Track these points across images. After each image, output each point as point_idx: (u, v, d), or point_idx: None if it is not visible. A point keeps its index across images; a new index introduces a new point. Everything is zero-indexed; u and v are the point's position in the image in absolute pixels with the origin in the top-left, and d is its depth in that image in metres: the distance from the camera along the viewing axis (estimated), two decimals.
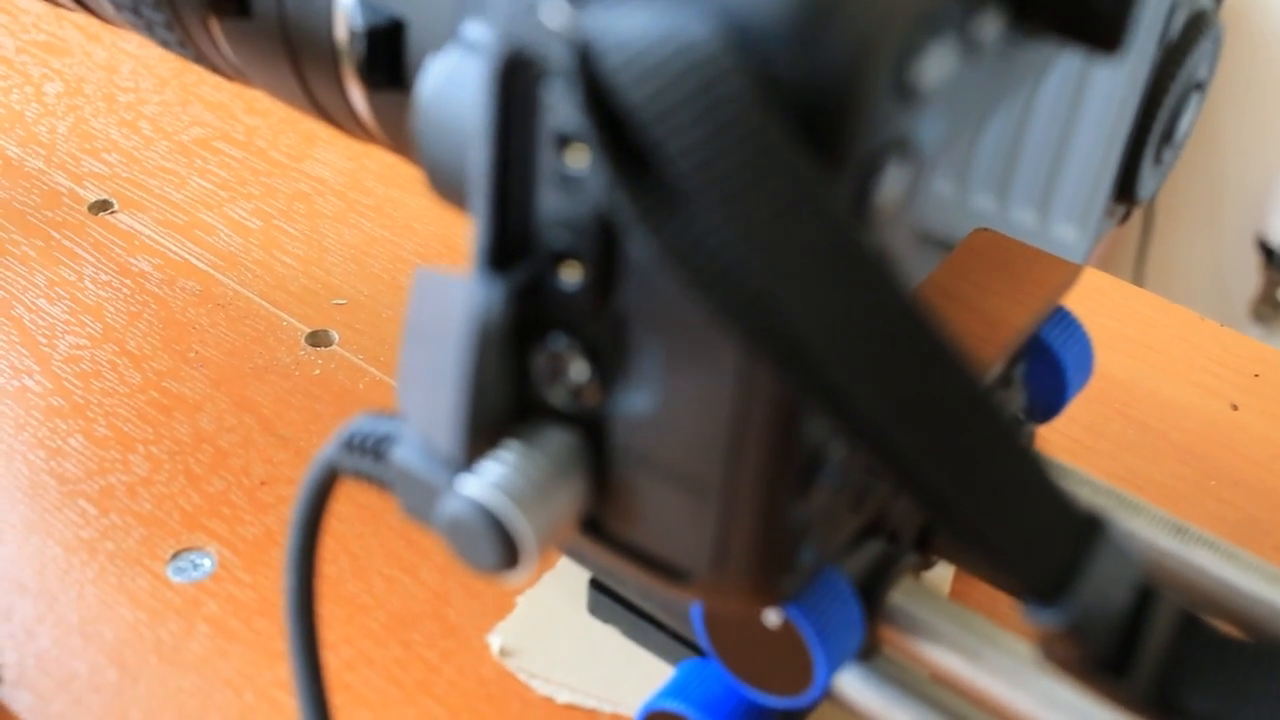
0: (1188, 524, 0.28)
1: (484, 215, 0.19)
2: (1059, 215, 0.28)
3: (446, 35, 0.23)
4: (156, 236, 0.47)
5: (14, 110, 0.53)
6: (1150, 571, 0.28)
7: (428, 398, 0.19)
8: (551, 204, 0.18)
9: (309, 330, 0.43)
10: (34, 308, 0.43)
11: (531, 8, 0.17)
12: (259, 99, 0.54)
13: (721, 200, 0.15)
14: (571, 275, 0.19)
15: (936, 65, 0.16)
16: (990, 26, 0.17)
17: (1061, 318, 0.30)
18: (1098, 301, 0.46)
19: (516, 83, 0.18)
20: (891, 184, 0.16)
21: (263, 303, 0.44)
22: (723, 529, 0.19)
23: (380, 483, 0.22)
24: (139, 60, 0.56)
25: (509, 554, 0.19)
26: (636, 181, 0.16)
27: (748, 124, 0.15)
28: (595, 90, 0.16)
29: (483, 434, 0.19)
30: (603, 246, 0.18)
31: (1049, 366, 0.30)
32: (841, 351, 0.16)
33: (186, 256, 0.46)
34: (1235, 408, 0.42)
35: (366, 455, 0.22)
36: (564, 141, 0.18)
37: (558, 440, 0.20)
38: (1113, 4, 0.17)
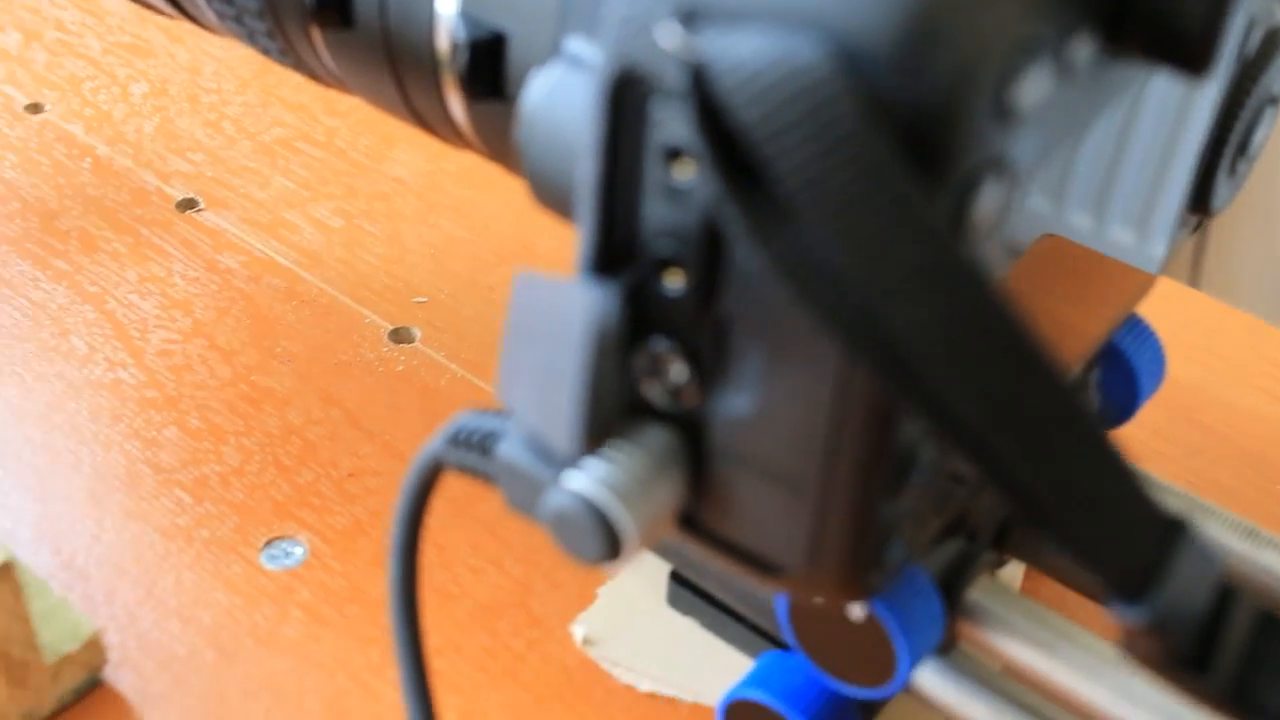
0: (1259, 527, 0.29)
1: (591, 224, 0.20)
2: (1117, 218, 0.28)
3: (548, 49, 0.24)
4: (241, 234, 0.48)
5: (102, 110, 0.55)
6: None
7: (539, 396, 0.20)
8: (657, 213, 0.19)
9: (391, 327, 0.44)
10: (126, 302, 0.44)
11: (645, 29, 0.18)
12: (338, 100, 0.55)
13: (830, 215, 0.16)
14: (675, 281, 0.20)
15: (1033, 87, 0.17)
16: (1083, 50, 0.18)
17: (1134, 324, 0.31)
18: (1162, 307, 0.46)
19: (626, 99, 0.18)
20: (988, 200, 0.17)
21: (346, 300, 0.45)
22: (817, 526, 0.20)
23: (485, 477, 0.23)
24: (221, 62, 0.58)
25: (612, 546, 0.20)
26: (746, 196, 0.17)
27: (856, 144, 0.16)
28: (709, 109, 0.17)
29: (597, 432, 0.20)
30: (707, 254, 0.19)
31: (1122, 372, 0.31)
32: (942, 358, 0.16)
33: (271, 254, 0.47)
34: None
35: (473, 450, 0.23)
36: (672, 155, 0.19)
37: (657, 438, 0.21)
38: (1202, 28, 0.18)
